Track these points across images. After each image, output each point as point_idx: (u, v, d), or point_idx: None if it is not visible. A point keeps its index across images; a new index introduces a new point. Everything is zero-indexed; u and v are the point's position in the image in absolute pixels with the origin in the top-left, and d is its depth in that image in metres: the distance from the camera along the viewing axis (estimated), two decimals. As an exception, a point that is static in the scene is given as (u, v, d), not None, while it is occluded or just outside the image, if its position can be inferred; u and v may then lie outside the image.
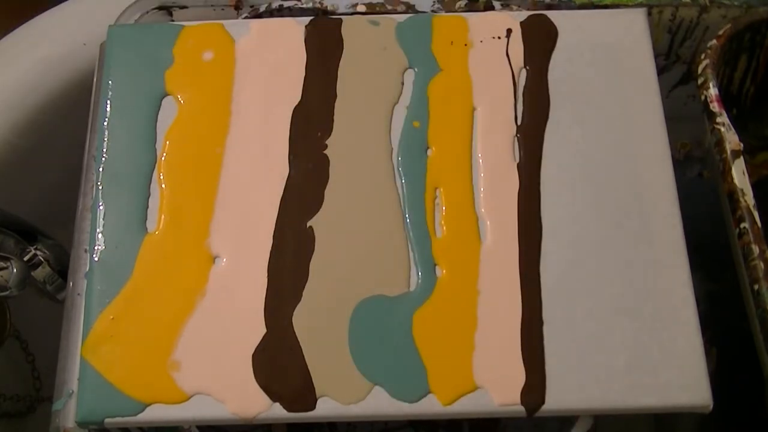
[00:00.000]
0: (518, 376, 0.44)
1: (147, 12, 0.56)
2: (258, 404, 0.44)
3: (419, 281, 0.46)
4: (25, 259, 0.60)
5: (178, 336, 0.45)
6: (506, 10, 0.55)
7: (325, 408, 0.44)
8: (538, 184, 0.49)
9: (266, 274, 0.47)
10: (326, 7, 0.56)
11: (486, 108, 0.51)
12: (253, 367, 0.45)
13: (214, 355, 0.45)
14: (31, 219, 0.62)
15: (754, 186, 0.47)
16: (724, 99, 0.50)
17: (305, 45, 0.53)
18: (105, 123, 0.51)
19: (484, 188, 0.49)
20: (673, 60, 0.60)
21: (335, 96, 0.51)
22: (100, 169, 0.49)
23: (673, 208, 0.48)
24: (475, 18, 0.54)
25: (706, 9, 0.56)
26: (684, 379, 0.44)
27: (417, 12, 0.55)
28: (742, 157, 0.48)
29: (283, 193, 0.48)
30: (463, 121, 0.50)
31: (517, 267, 0.47)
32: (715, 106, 0.49)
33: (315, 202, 0.48)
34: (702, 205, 0.52)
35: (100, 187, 0.49)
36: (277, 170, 0.49)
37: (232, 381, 0.44)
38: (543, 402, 0.44)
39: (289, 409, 0.44)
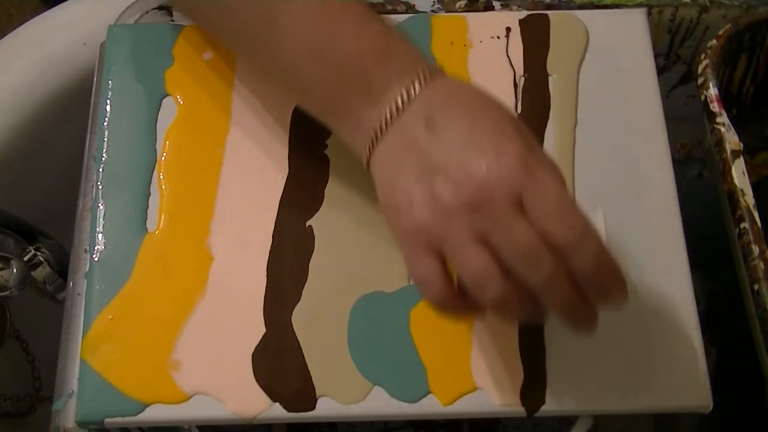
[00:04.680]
0: (517, 375, 0.44)
1: (147, 12, 0.56)
2: (258, 404, 0.44)
3: (419, 281, 0.46)
4: (25, 259, 0.60)
5: (177, 336, 0.45)
6: (506, 10, 0.55)
7: (325, 408, 0.44)
8: (538, 184, 0.49)
9: (266, 274, 0.47)
10: (326, 7, 0.56)
11: (486, 108, 0.51)
12: (253, 367, 0.45)
13: (214, 354, 0.45)
14: (31, 219, 0.62)
15: (754, 186, 0.47)
16: (724, 99, 0.50)
17: (305, 45, 0.53)
18: (105, 123, 0.51)
19: (484, 188, 0.49)
20: (673, 60, 0.60)
21: (335, 96, 0.51)
22: (100, 169, 0.49)
23: (673, 208, 0.48)
24: (474, 18, 0.54)
25: (706, 9, 0.56)
26: (684, 379, 0.44)
27: (417, 12, 0.55)
28: (742, 157, 0.48)
29: (283, 192, 0.48)
30: (463, 121, 0.50)
31: (517, 267, 0.47)
32: (715, 106, 0.49)
33: (314, 202, 0.48)
34: (702, 205, 0.52)
35: (100, 187, 0.49)
36: (277, 170, 0.49)
37: (232, 381, 0.44)
38: (543, 402, 0.44)
39: (289, 409, 0.44)
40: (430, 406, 0.44)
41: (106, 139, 0.50)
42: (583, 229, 0.36)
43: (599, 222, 0.43)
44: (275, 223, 0.48)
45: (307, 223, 0.48)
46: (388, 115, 0.39)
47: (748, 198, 0.46)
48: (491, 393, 0.44)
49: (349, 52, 0.40)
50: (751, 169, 0.49)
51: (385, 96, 0.39)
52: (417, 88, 0.39)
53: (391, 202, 0.39)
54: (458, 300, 0.38)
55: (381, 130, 0.39)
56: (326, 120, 0.43)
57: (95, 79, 0.53)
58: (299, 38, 0.41)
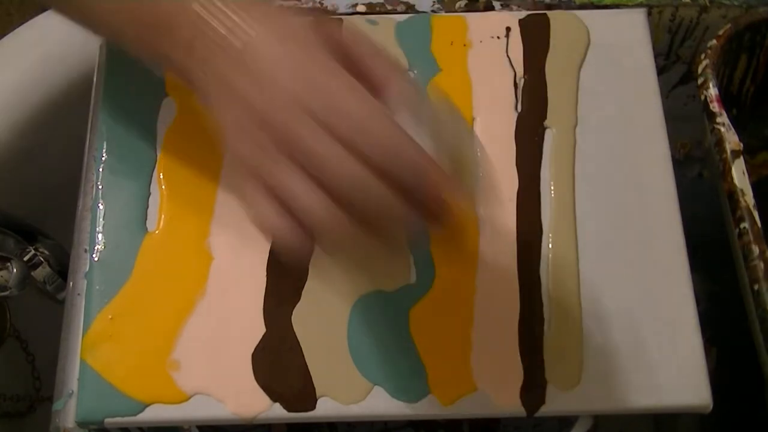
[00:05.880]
0: (517, 375, 0.44)
1: (147, 12, 0.56)
2: (258, 404, 0.44)
3: (417, 278, 0.46)
4: (25, 259, 0.60)
5: (177, 336, 0.45)
6: (506, 10, 0.55)
7: (325, 408, 0.44)
8: (538, 184, 0.49)
9: (266, 274, 0.47)
10: (326, 7, 0.56)
11: (485, 108, 0.51)
12: (252, 367, 0.45)
13: (214, 354, 0.45)
14: (31, 219, 0.62)
15: (754, 186, 0.47)
16: (724, 99, 0.50)
17: (305, 45, 0.53)
18: (105, 123, 0.51)
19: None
20: (673, 60, 0.60)
21: (335, 96, 0.51)
22: (100, 169, 0.49)
23: (673, 208, 0.48)
24: (474, 18, 0.54)
25: (706, 9, 0.56)
26: (684, 379, 0.44)
27: (417, 12, 0.55)
28: (742, 157, 0.48)
29: (283, 193, 0.48)
30: (463, 121, 0.50)
31: (515, 266, 0.47)
32: (715, 106, 0.49)
33: (315, 202, 0.48)
34: (702, 205, 0.52)
35: (100, 187, 0.49)
36: (277, 170, 0.49)
37: (232, 381, 0.44)
38: (543, 402, 0.44)
39: (289, 409, 0.44)
40: (430, 406, 0.44)
41: (106, 139, 0.50)
42: (397, 142, 0.33)
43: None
44: (275, 223, 0.48)
45: (307, 223, 0.48)
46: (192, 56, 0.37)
47: (748, 198, 0.46)
48: (491, 393, 0.44)
49: None
50: (751, 169, 0.49)
51: (196, 41, 0.37)
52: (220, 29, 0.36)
53: (233, 146, 0.37)
54: (296, 231, 0.35)
55: (188, 70, 0.38)
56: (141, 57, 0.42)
57: (95, 79, 0.53)
58: None
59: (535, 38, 0.53)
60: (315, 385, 0.44)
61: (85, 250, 0.48)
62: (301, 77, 0.34)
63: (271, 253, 0.47)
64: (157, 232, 0.48)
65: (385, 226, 0.35)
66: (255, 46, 0.36)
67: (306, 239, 0.35)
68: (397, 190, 0.34)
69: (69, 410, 0.45)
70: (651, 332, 0.45)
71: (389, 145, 0.33)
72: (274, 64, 0.35)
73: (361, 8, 0.56)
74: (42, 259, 0.60)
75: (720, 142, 0.48)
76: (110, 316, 0.46)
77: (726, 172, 0.48)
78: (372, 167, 0.33)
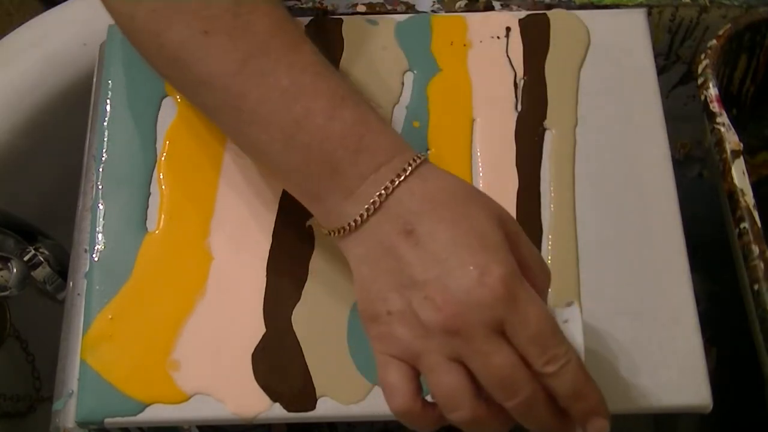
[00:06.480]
0: (518, 376, 0.44)
1: (147, 12, 0.56)
2: (258, 404, 0.44)
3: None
4: (25, 259, 0.60)
5: (177, 336, 0.45)
6: (506, 10, 0.55)
7: (325, 408, 0.44)
8: (538, 184, 0.49)
9: (265, 274, 0.47)
10: (326, 7, 0.56)
11: (485, 108, 0.51)
12: (252, 367, 0.45)
13: (214, 355, 0.45)
14: (31, 219, 0.62)
15: (754, 186, 0.47)
16: (724, 99, 0.50)
17: (305, 45, 0.53)
18: (105, 123, 0.51)
19: (483, 187, 0.49)
20: (673, 60, 0.60)
21: (335, 96, 0.51)
22: (100, 169, 0.49)
23: (673, 208, 0.48)
24: (474, 18, 0.54)
25: (706, 9, 0.56)
26: (684, 379, 0.44)
27: (417, 12, 0.55)
28: (742, 157, 0.48)
29: (283, 192, 0.48)
30: (462, 121, 0.50)
31: (516, 267, 0.46)
32: (715, 106, 0.49)
33: (315, 202, 0.48)
34: (702, 205, 0.52)
35: (100, 187, 0.49)
36: (277, 170, 0.49)
37: (232, 381, 0.44)
38: (543, 402, 0.44)
39: (289, 409, 0.44)
40: (430, 406, 0.44)
41: (106, 139, 0.50)
42: (564, 361, 0.36)
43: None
44: (275, 223, 0.48)
45: (307, 223, 0.48)
46: (364, 213, 0.37)
47: (748, 198, 0.46)
48: (491, 393, 0.44)
49: (317, 137, 0.38)
50: (751, 169, 0.49)
51: (359, 189, 0.38)
52: (394, 185, 0.37)
53: (368, 305, 0.38)
54: (424, 413, 0.37)
55: (355, 223, 0.38)
56: (299, 199, 0.42)
57: (95, 79, 0.53)
58: (267, 119, 0.39)
59: (535, 38, 0.53)
60: (315, 385, 0.44)
61: (85, 250, 0.49)
62: (489, 281, 0.35)
63: (271, 252, 0.47)
64: (157, 232, 0.48)
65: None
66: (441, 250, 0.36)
67: (432, 422, 0.37)
68: (549, 396, 0.36)
69: (69, 410, 0.45)
70: (651, 332, 0.45)
71: (558, 366, 0.35)
72: (462, 268, 0.35)
73: (361, 8, 0.56)
74: (42, 259, 0.60)
75: (720, 142, 0.48)
76: (110, 316, 0.46)
77: (726, 172, 0.48)
78: (535, 374, 0.36)
